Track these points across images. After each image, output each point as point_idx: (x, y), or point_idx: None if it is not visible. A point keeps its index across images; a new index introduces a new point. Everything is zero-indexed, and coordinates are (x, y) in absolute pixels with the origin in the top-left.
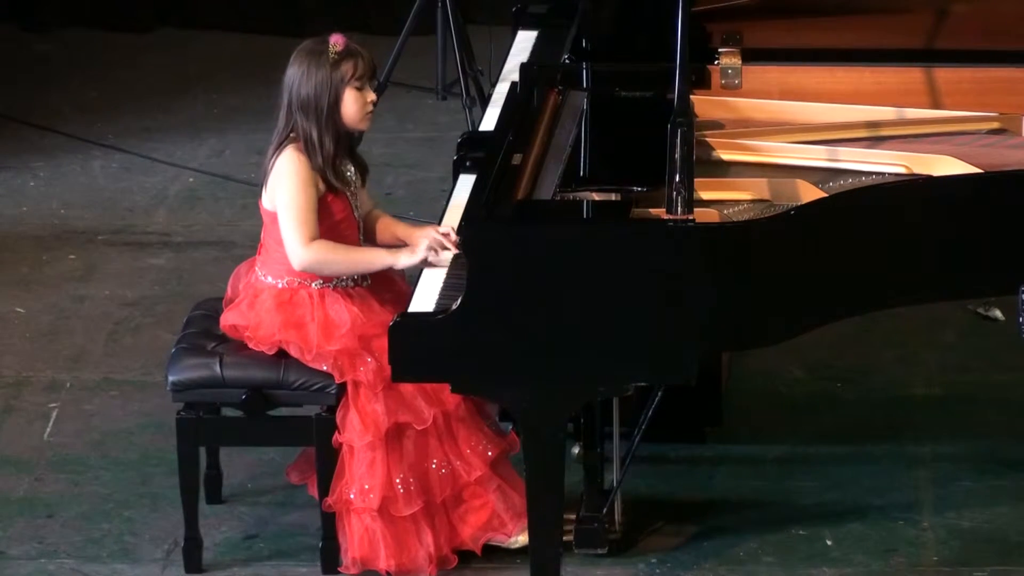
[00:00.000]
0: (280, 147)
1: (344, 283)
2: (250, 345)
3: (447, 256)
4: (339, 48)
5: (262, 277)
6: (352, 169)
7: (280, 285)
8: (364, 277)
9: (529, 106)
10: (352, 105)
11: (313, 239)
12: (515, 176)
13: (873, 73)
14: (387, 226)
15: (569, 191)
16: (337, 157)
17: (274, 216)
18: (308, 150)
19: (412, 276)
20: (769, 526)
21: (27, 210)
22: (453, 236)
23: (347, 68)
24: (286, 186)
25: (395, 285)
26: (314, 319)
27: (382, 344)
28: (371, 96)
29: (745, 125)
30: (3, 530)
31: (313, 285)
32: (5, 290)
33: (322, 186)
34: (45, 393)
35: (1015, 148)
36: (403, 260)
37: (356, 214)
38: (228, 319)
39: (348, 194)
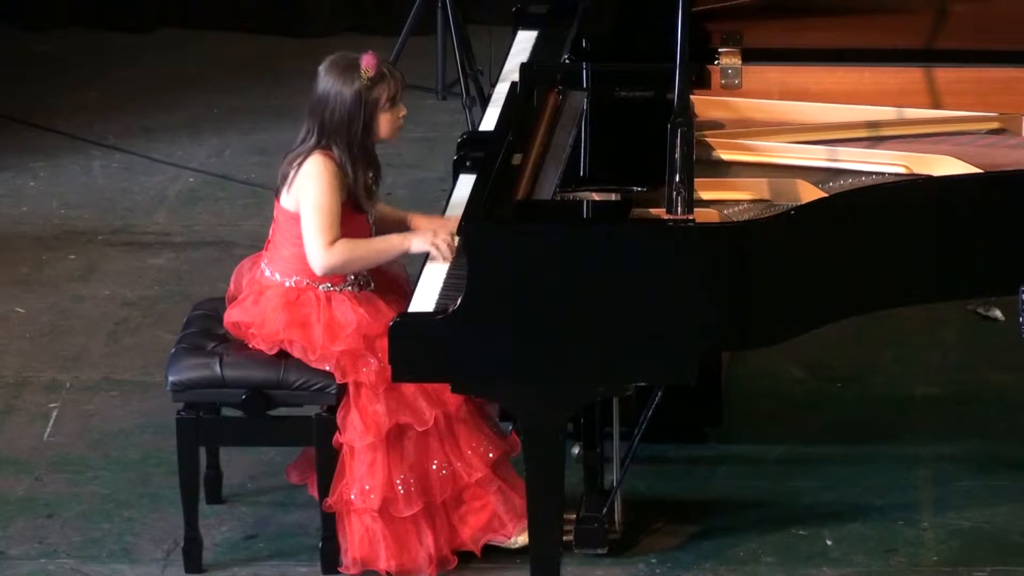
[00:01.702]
0: (309, 152)
1: (351, 287)
2: (252, 343)
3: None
4: (371, 74)
5: (269, 274)
6: (372, 176)
7: (288, 284)
8: (369, 281)
9: (529, 106)
10: (386, 125)
11: (334, 243)
12: (515, 176)
13: (873, 73)
14: (402, 221)
15: (569, 191)
16: (367, 175)
17: (292, 216)
18: (341, 168)
19: (413, 276)
20: (769, 526)
21: (27, 210)
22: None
23: (380, 92)
24: (313, 189)
25: (400, 287)
26: (320, 320)
27: (385, 344)
28: (402, 111)
29: (745, 125)
30: (3, 530)
31: (321, 288)
32: (5, 290)
33: (345, 197)
34: (45, 393)
35: (1015, 148)
36: (416, 244)
37: (370, 222)
38: (232, 316)
39: (369, 212)
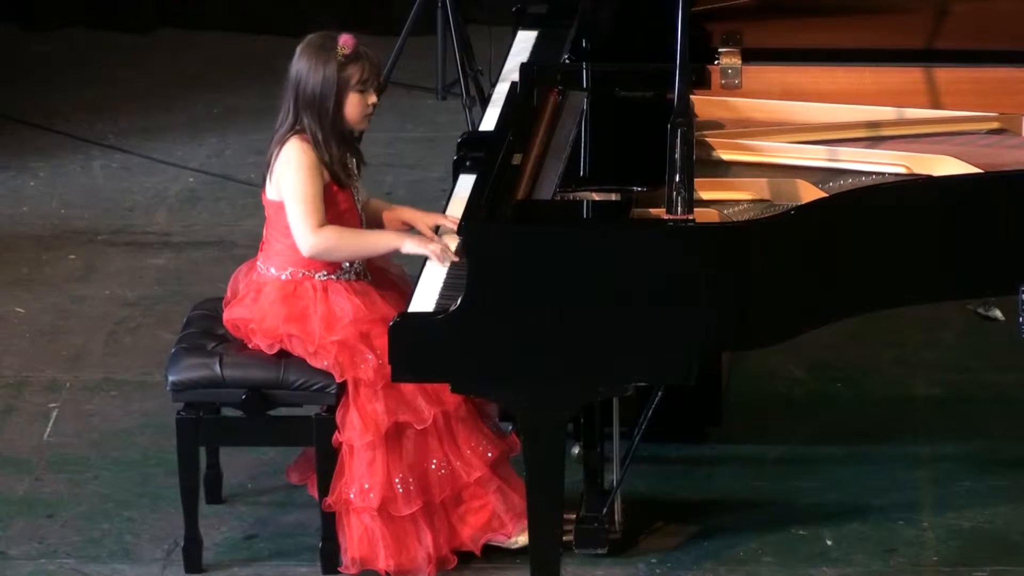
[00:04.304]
0: (284, 138)
1: (347, 276)
2: (253, 339)
3: (447, 261)
4: (347, 51)
5: (265, 270)
6: (354, 161)
7: (284, 277)
8: (366, 272)
9: (529, 106)
10: (354, 108)
11: (321, 225)
12: (515, 176)
13: (873, 73)
14: (394, 214)
15: (569, 191)
16: (342, 153)
17: (278, 207)
18: (315, 145)
19: (413, 275)
20: (769, 526)
21: (27, 210)
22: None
23: (353, 71)
24: (292, 174)
25: (395, 282)
26: (316, 311)
27: (383, 343)
28: (372, 99)
29: (745, 125)
30: (3, 530)
31: (317, 277)
32: (5, 290)
33: (327, 176)
34: (45, 393)
35: (1015, 148)
36: (408, 246)
37: (358, 206)
38: (233, 314)
39: (352, 188)
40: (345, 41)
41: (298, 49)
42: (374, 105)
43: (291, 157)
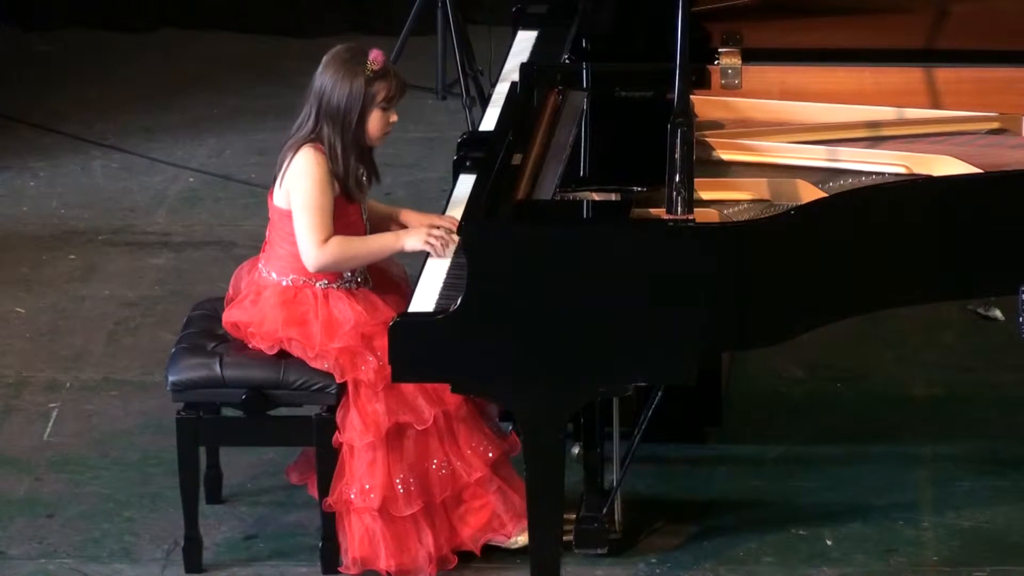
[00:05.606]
0: (299, 144)
1: (348, 284)
2: (252, 342)
3: (449, 249)
4: (377, 67)
5: (266, 274)
6: (365, 175)
7: (285, 283)
8: (367, 278)
9: (529, 106)
10: (376, 124)
11: (327, 240)
12: (515, 176)
13: (873, 73)
14: (393, 216)
15: (569, 191)
16: (358, 167)
17: (284, 213)
18: (330, 157)
19: (413, 276)
20: (769, 526)
21: (27, 210)
22: (453, 235)
23: (379, 88)
24: (303, 186)
25: (398, 287)
26: (318, 317)
27: (384, 343)
28: (394, 117)
29: (745, 125)
30: (3, 530)
31: (318, 285)
32: (5, 290)
33: (337, 189)
34: (45, 393)
35: (1015, 148)
36: (409, 243)
37: (364, 219)
38: (231, 316)
39: (361, 202)
40: (375, 57)
41: (325, 59)
42: (394, 123)
43: (302, 168)
